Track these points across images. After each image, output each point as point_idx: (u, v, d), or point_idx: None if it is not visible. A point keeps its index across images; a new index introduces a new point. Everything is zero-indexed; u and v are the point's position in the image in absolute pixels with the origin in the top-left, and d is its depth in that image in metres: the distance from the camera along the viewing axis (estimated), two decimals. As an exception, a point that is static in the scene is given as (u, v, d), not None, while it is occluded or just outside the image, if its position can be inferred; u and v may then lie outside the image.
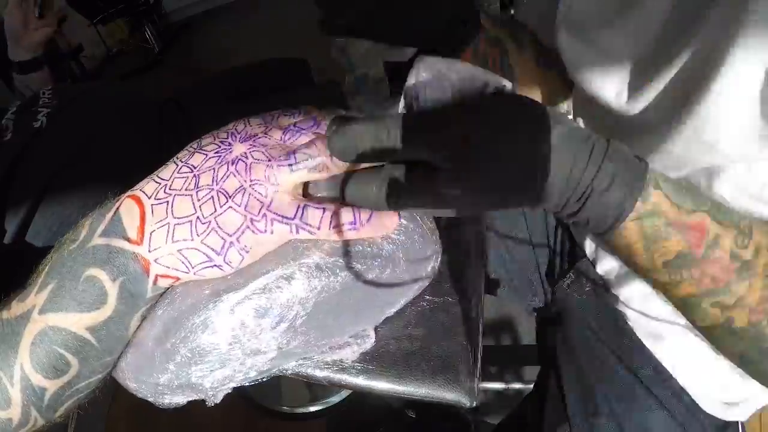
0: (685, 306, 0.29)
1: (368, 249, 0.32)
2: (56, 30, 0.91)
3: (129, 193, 0.31)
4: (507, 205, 0.26)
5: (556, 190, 0.25)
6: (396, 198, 0.26)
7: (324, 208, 0.30)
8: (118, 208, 0.30)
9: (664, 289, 0.29)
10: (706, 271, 0.26)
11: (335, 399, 1.12)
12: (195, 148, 0.32)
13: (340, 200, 0.30)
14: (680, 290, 0.28)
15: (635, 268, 0.29)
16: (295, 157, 0.30)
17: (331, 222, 0.30)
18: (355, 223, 0.31)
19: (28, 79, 0.89)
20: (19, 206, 0.62)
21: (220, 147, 0.32)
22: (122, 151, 0.73)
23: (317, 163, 0.29)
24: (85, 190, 0.66)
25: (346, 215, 0.30)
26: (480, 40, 0.46)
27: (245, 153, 0.31)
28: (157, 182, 0.31)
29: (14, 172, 0.63)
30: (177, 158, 0.32)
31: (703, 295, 0.27)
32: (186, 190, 0.30)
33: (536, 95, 0.50)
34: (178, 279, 0.31)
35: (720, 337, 0.29)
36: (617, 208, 0.25)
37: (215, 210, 0.29)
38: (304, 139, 0.32)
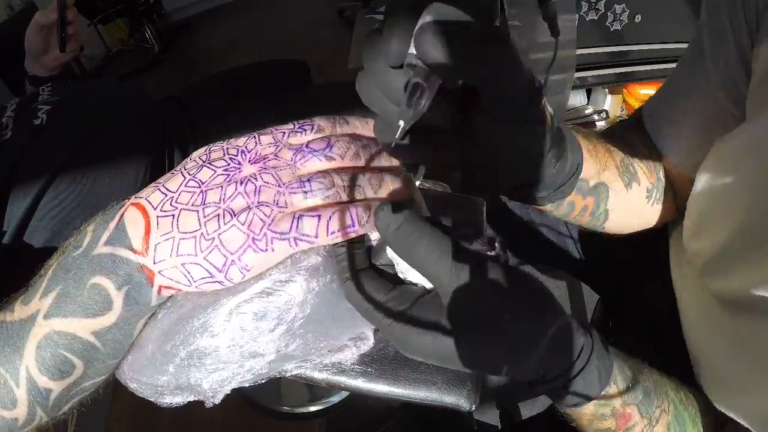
0: None
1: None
2: (76, 54, 0.89)
3: (132, 200, 0.31)
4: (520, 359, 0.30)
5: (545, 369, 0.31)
6: None
7: (318, 216, 0.30)
8: (122, 216, 0.30)
9: None
10: None
11: (335, 399, 1.13)
12: (204, 161, 0.32)
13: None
14: None
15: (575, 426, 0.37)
16: (311, 185, 0.30)
17: (328, 228, 0.30)
18: (354, 225, 0.30)
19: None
20: (19, 206, 0.62)
21: (229, 165, 0.32)
22: (123, 149, 0.73)
23: (331, 194, 0.30)
24: (85, 190, 0.66)
25: (345, 218, 0.30)
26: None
27: (255, 174, 0.31)
28: (163, 193, 0.31)
29: (15, 171, 0.63)
30: (185, 169, 0.32)
31: None
32: (192, 205, 0.30)
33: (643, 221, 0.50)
34: (179, 290, 0.31)
35: None
36: (586, 395, 0.33)
37: (219, 227, 0.29)
38: (316, 161, 0.32)
